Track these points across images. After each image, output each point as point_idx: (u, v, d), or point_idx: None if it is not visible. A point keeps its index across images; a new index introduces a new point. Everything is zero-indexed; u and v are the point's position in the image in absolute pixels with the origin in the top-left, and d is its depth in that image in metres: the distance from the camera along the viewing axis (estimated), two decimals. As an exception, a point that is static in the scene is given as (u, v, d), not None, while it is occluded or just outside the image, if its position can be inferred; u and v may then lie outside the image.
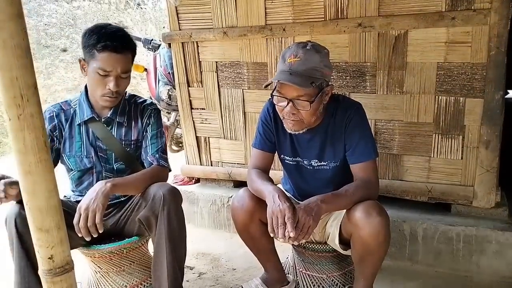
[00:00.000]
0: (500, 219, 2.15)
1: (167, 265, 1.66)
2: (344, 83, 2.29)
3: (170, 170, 1.91)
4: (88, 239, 1.57)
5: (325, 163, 1.75)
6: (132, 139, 1.87)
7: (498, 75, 1.97)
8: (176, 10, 2.59)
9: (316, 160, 1.75)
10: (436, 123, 2.14)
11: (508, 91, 3.27)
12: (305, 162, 1.78)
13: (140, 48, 2.72)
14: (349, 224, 1.58)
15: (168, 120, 3.69)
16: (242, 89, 2.57)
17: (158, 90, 3.49)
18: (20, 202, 1.56)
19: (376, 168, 1.69)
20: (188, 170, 2.92)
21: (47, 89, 6.35)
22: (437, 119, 2.14)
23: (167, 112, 3.59)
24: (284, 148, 1.81)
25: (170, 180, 2.93)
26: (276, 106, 1.64)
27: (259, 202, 1.67)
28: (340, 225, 1.69)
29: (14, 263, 1.59)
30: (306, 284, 1.96)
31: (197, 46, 2.61)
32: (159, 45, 3.50)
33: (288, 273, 2.03)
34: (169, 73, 3.36)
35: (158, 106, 2.38)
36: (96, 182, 1.80)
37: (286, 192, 1.85)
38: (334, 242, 1.71)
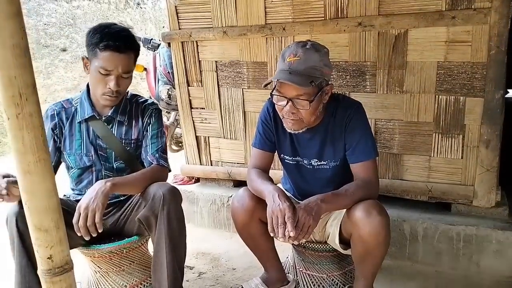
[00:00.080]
0: (500, 219, 2.15)
1: (167, 265, 1.66)
2: (344, 82, 2.29)
3: (170, 170, 1.91)
4: (87, 238, 1.57)
5: (325, 163, 1.74)
6: (132, 138, 1.86)
7: (498, 74, 1.96)
8: (176, 10, 2.59)
9: (316, 160, 1.75)
10: (436, 123, 2.14)
11: (508, 90, 3.26)
12: (305, 162, 1.78)
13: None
14: (349, 224, 1.57)
15: (168, 120, 3.68)
16: (242, 89, 2.57)
17: (158, 89, 3.49)
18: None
19: (376, 168, 1.69)
20: (188, 169, 2.91)
21: (46, 89, 6.35)
22: (437, 118, 2.13)
23: (166, 111, 3.58)
24: (284, 147, 1.80)
25: (170, 180, 2.93)
26: (275, 105, 1.64)
27: (259, 202, 1.66)
28: (340, 224, 1.68)
29: (14, 262, 1.59)
30: (306, 283, 1.96)
31: (197, 46, 2.60)
32: (159, 45, 3.50)
33: (288, 273, 2.02)
34: (168, 72, 3.36)
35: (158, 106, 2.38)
36: (96, 180, 1.81)
37: (286, 192, 1.84)
38: (334, 242, 1.71)
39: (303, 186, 1.84)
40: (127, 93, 1.89)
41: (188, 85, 2.72)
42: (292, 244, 1.92)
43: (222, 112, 2.67)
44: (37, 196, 0.94)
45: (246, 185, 1.77)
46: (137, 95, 1.96)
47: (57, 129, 1.81)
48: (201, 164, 2.85)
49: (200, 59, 2.63)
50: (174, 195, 1.69)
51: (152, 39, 3.59)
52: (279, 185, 1.93)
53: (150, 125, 1.87)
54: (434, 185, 2.20)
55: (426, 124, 2.16)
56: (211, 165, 2.82)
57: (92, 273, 1.92)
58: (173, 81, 2.90)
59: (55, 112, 1.82)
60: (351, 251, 1.66)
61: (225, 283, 2.16)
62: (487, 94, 2.00)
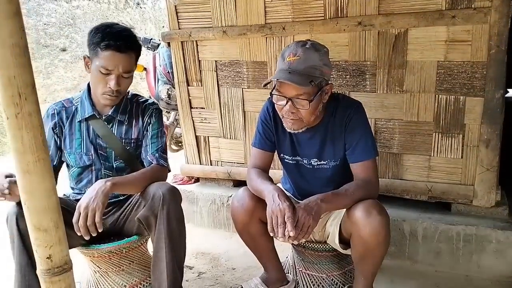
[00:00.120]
0: (500, 218, 2.15)
1: (166, 264, 1.66)
2: (344, 82, 2.28)
3: (169, 170, 1.91)
4: (87, 238, 1.57)
5: (325, 162, 1.74)
6: (132, 137, 1.86)
7: (498, 74, 1.96)
8: (176, 9, 2.59)
9: (316, 159, 1.75)
10: (436, 122, 2.14)
11: (508, 90, 3.26)
12: (304, 161, 1.77)
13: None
14: (349, 223, 1.57)
15: (168, 120, 3.68)
16: (242, 88, 2.57)
17: (158, 89, 3.49)
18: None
19: (376, 167, 1.68)
20: (187, 169, 2.91)
21: (46, 89, 6.35)
22: (437, 118, 2.13)
23: (166, 111, 3.58)
24: (283, 147, 1.80)
25: (170, 180, 2.93)
26: (275, 105, 1.63)
27: (259, 202, 1.66)
28: (340, 224, 1.68)
29: (14, 261, 1.59)
30: (306, 283, 1.95)
31: (197, 45, 2.60)
32: (159, 44, 3.50)
33: (288, 273, 2.02)
34: (168, 72, 3.35)
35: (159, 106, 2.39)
36: (95, 179, 1.81)
37: (286, 192, 1.84)
38: (334, 242, 1.71)
39: (303, 186, 1.84)
40: (128, 93, 1.89)
41: (188, 85, 2.72)
42: (292, 244, 1.92)
43: (222, 111, 2.66)
44: (36, 196, 0.94)
45: (246, 185, 1.77)
46: (137, 95, 1.96)
47: (57, 128, 1.82)
48: (200, 164, 2.85)
49: (199, 59, 2.63)
50: (174, 195, 1.68)
51: (151, 38, 3.59)
52: (279, 184, 1.93)
53: (151, 125, 1.87)
54: (434, 185, 2.20)
55: (426, 124, 2.16)
56: (211, 164, 2.82)
57: (91, 273, 1.91)
58: (173, 80, 2.90)
59: (56, 112, 1.83)
60: (351, 251, 1.66)
61: (225, 283, 2.16)
62: (487, 94, 2.00)
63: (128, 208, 1.87)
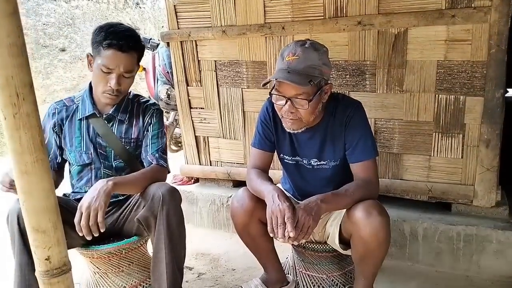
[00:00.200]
0: (501, 218, 2.14)
1: (166, 265, 1.65)
2: (344, 81, 2.28)
3: (169, 171, 1.90)
4: (89, 238, 1.56)
5: (325, 162, 1.74)
6: (132, 137, 1.86)
7: (498, 73, 1.96)
8: (175, 9, 2.58)
9: (316, 159, 1.74)
10: (436, 122, 2.13)
11: (508, 89, 3.26)
12: (304, 162, 1.77)
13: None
14: (349, 224, 1.57)
15: (167, 120, 3.68)
16: (241, 88, 2.56)
17: (157, 89, 3.49)
18: None
19: (376, 167, 1.68)
20: (187, 170, 2.90)
21: (45, 89, 6.34)
22: (437, 117, 2.13)
23: (166, 111, 3.58)
24: (283, 147, 1.80)
25: (169, 180, 2.92)
26: (274, 104, 1.63)
27: (259, 202, 1.65)
28: (340, 224, 1.68)
29: (14, 260, 1.58)
30: (306, 284, 1.95)
31: (196, 45, 2.60)
32: (158, 44, 3.50)
33: (288, 273, 2.02)
34: (167, 72, 3.35)
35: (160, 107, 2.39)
36: (95, 178, 1.82)
37: (285, 192, 1.84)
38: (334, 242, 1.70)
39: (302, 186, 1.83)
40: (129, 93, 1.90)
41: (187, 85, 2.71)
42: (292, 244, 1.91)
43: (222, 112, 2.66)
44: (34, 197, 0.94)
45: (245, 185, 1.77)
46: (139, 95, 1.96)
47: (57, 127, 1.83)
48: (200, 164, 2.84)
49: (199, 59, 2.62)
50: (174, 196, 1.68)
51: (151, 38, 3.59)
52: (279, 185, 1.92)
53: (151, 125, 1.87)
54: (434, 185, 2.20)
55: (426, 124, 2.16)
56: (211, 165, 2.81)
57: (91, 274, 1.91)
58: (172, 80, 2.89)
59: (57, 111, 1.84)
60: (351, 251, 1.65)
61: (225, 283, 2.15)
62: (487, 93, 1.99)
63: (127, 208, 1.87)
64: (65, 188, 1.92)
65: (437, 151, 2.17)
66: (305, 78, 1.49)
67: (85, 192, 1.80)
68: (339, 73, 2.28)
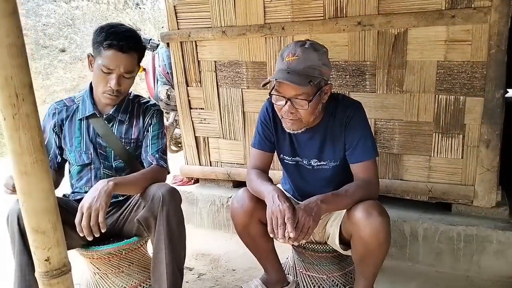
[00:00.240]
0: (501, 219, 2.14)
1: (166, 266, 1.65)
2: (344, 82, 2.28)
3: (168, 172, 1.90)
4: (90, 238, 1.55)
5: (325, 163, 1.73)
6: (132, 137, 1.86)
7: (498, 74, 1.95)
8: (175, 9, 2.58)
9: (316, 160, 1.74)
10: (436, 122, 2.13)
11: (508, 89, 3.26)
12: (304, 162, 1.77)
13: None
14: (350, 224, 1.56)
15: (167, 120, 3.68)
16: (241, 89, 2.56)
17: (157, 90, 3.49)
18: None
19: (376, 168, 1.68)
20: (187, 170, 2.90)
21: (45, 90, 6.34)
22: (437, 118, 2.13)
23: (165, 112, 3.58)
24: (283, 147, 1.79)
25: (169, 181, 2.92)
26: (274, 105, 1.63)
27: (259, 203, 1.65)
28: (340, 225, 1.67)
29: (14, 261, 1.58)
30: (306, 284, 1.95)
31: (196, 46, 2.60)
32: (158, 45, 3.49)
33: (288, 274, 2.01)
34: (167, 72, 3.35)
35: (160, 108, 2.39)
36: (95, 178, 1.82)
37: (285, 192, 1.83)
38: (334, 242, 1.70)
39: (302, 187, 1.83)
40: (130, 93, 1.90)
41: (187, 85, 2.71)
42: (292, 245, 1.91)
43: (221, 112, 2.66)
44: (34, 198, 0.93)
45: (245, 185, 1.77)
46: (139, 95, 1.97)
47: (57, 127, 1.84)
48: (200, 165, 2.84)
49: (199, 59, 2.62)
50: (174, 196, 1.68)
51: (151, 39, 3.58)
52: (279, 185, 1.92)
53: (151, 126, 1.87)
54: (434, 185, 2.20)
55: (426, 124, 2.16)
56: (211, 165, 2.81)
57: (91, 274, 1.91)
58: (172, 81, 2.89)
59: (57, 111, 1.85)
60: (351, 252, 1.65)
61: (225, 284, 2.15)
62: (487, 94, 1.99)
63: (127, 209, 1.86)
64: (64, 188, 1.92)
65: (437, 151, 2.17)
66: (304, 79, 1.49)
67: (85, 192, 1.81)
68: (339, 73, 2.28)
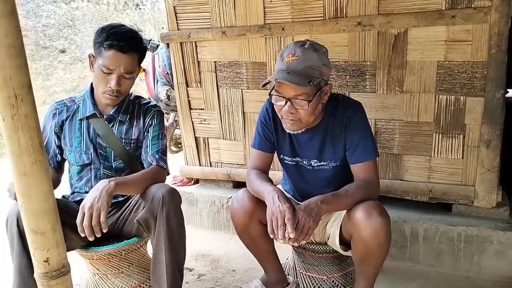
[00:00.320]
0: (502, 219, 2.13)
1: (166, 266, 1.65)
2: (344, 82, 2.27)
3: (168, 173, 1.90)
4: (91, 239, 1.55)
5: (325, 163, 1.73)
6: (133, 138, 1.86)
7: (499, 74, 1.95)
8: (175, 10, 2.58)
9: (316, 160, 1.74)
10: (436, 123, 2.13)
11: (509, 90, 3.25)
12: (304, 162, 1.76)
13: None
14: (350, 225, 1.56)
15: (167, 121, 3.67)
16: (241, 89, 2.56)
17: (157, 90, 3.49)
18: None
19: (376, 168, 1.67)
20: (187, 171, 2.90)
21: (45, 90, 6.33)
22: (438, 118, 2.12)
23: (165, 112, 3.58)
24: (283, 148, 1.79)
25: (169, 181, 2.92)
26: (274, 105, 1.63)
27: (259, 203, 1.65)
28: (341, 225, 1.67)
29: (13, 263, 1.57)
30: (306, 285, 1.94)
31: (196, 46, 2.60)
32: (158, 45, 3.49)
33: (288, 274, 2.01)
34: (167, 73, 3.35)
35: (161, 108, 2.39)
36: (95, 179, 1.82)
37: (285, 193, 1.83)
38: (335, 243, 1.70)
39: (303, 187, 1.83)
40: (131, 94, 1.90)
41: (187, 86, 2.71)
42: (292, 245, 1.91)
43: (221, 112, 2.65)
44: (33, 199, 0.93)
45: (245, 186, 1.76)
46: (140, 96, 1.97)
47: (57, 128, 1.84)
48: (200, 165, 2.84)
49: (199, 60, 2.62)
50: (173, 197, 1.68)
51: (151, 40, 3.58)
52: (279, 186, 1.92)
53: (152, 127, 1.87)
54: (434, 186, 2.19)
55: (426, 124, 2.15)
56: (211, 166, 2.81)
57: (90, 275, 1.90)
58: (172, 82, 2.89)
59: (57, 111, 1.85)
60: (352, 252, 1.65)
61: (225, 285, 2.15)
62: (488, 94, 1.99)
63: (127, 209, 1.86)
64: (64, 189, 1.92)
65: (438, 151, 2.16)
66: (304, 79, 1.49)
67: (85, 192, 1.81)
68: (339, 73, 2.27)
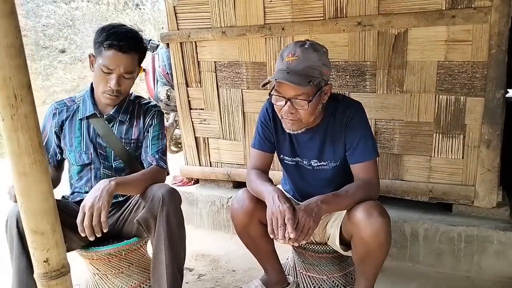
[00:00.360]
0: (502, 219, 2.13)
1: (166, 266, 1.65)
2: (344, 82, 2.27)
3: (168, 173, 1.90)
4: (92, 238, 1.55)
5: (325, 163, 1.73)
6: (133, 138, 1.86)
7: (499, 74, 1.95)
8: (175, 10, 2.58)
9: (316, 160, 1.74)
10: (436, 123, 2.13)
11: (509, 90, 3.25)
12: (304, 162, 1.76)
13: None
14: (350, 225, 1.56)
15: (167, 121, 3.67)
16: (241, 89, 2.56)
17: (157, 90, 3.48)
18: None
19: (376, 168, 1.67)
20: (187, 171, 2.90)
21: (45, 90, 6.33)
22: (438, 118, 2.12)
23: (165, 112, 3.58)
24: (283, 148, 1.79)
25: (169, 181, 2.92)
26: (274, 105, 1.62)
27: (259, 203, 1.65)
28: (341, 225, 1.67)
29: (13, 264, 1.57)
30: (307, 285, 1.94)
31: (196, 46, 2.59)
32: (158, 45, 3.49)
33: (288, 275, 2.01)
34: (167, 73, 3.35)
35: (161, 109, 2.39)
36: (95, 178, 1.82)
37: (286, 193, 1.83)
38: (335, 243, 1.70)
39: (303, 187, 1.82)
40: (131, 94, 1.90)
41: (187, 86, 2.71)
42: (292, 245, 1.91)
43: (221, 112, 2.65)
44: (32, 199, 0.93)
45: (245, 186, 1.76)
46: (140, 96, 1.97)
47: (57, 128, 1.84)
48: (200, 165, 2.83)
49: (199, 60, 2.62)
50: (173, 197, 1.67)
51: (151, 40, 3.58)
52: (279, 186, 1.92)
53: (152, 127, 1.87)
54: (434, 186, 2.19)
55: (426, 124, 2.15)
56: (211, 166, 2.81)
57: (90, 275, 1.90)
58: (172, 82, 2.89)
59: (57, 111, 1.85)
60: (352, 253, 1.65)
61: (225, 285, 2.15)
62: (488, 94, 1.99)
63: (127, 210, 1.86)
64: (63, 190, 1.92)
65: (438, 151, 2.16)
66: (304, 79, 1.49)
67: (85, 192, 1.81)
68: (339, 73, 2.27)
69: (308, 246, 1.84)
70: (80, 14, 7.81)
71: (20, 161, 0.89)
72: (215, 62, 2.58)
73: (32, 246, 0.97)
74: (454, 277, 2.10)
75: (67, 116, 1.84)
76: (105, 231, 1.56)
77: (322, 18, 2.22)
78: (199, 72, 2.64)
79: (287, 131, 1.66)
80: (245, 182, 1.78)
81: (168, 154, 2.40)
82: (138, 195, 1.79)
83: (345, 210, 1.60)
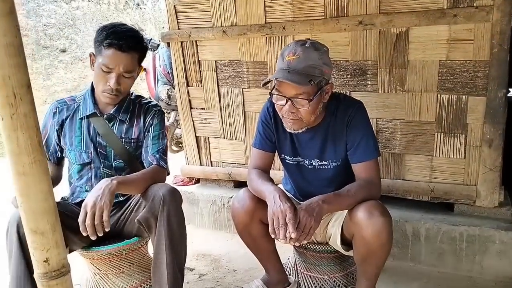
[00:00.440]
0: (504, 219, 2.13)
1: (167, 266, 1.64)
2: (345, 81, 2.27)
3: (168, 173, 1.90)
4: (93, 238, 1.54)
5: (326, 163, 1.72)
6: (133, 137, 1.86)
7: (501, 73, 1.94)
8: (175, 9, 2.58)
9: (317, 160, 1.73)
10: (438, 122, 2.12)
11: (511, 89, 3.25)
12: (305, 162, 1.76)
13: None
14: (351, 225, 1.55)
15: (168, 120, 3.67)
16: (242, 89, 2.55)
17: (157, 90, 3.48)
18: None
19: (378, 168, 1.66)
20: (188, 170, 2.90)
21: (46, 90, 6.33)
22: (439, 117, 2.11)
23: (166, 112, 3.57)
24: (284, 147, 1.78)
25: (170, 181, 2.91)
26: (275, 104, 1.62)
27: (260, 203, 1.64)
28: (342, 225, 1.66)
29: (11, 268, 1.55)
30: (308, 285, 1.94)
31: (196, 45, 2.59)
32: (158, 45, 3.49)
33: (289, 274, 2.01)
34: (168, 72, 3.34)
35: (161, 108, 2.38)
36: (95, 178, 1.82)
37: (287, 192, 1.82)
38: (336, 243, 1.69)
39: (304, 187, 1.82)
40: (131, 93, 1.90)
41: (188, 85, 2.70)
42: (293, 245, 1.90)
43: (222, 112, 2.65)
44: (32, 198, 0.93)
45: (246, 185, 1.76)
46: (141, 96, 1.97)
47: (57, 127, 1.84)
48: (201, 165, 2.83)
49: (199, 59, 2.62)
50: (174, 196, 1.67)
51: (151, 39, 3.57)
52: (280, 185, 1.91)
53: (152, 126, 1.86)
54: (436, 185, 2.18)
55: (428, 124, 2.14)
56: (211, 165, 2.80)
57: (91, 275, 1.90)
58: (173, 81, 2.89)
59: (58, 110, 1.85)
60: (353, 252, 1.64)
61: (226, 284, 2.14)
62: (490, 93, 1.98)
63: (128, 209, 1.86)
64: (63, 190, 1.91)
65: (439, 151, 2.16)
66: (305, 78, 1.48)
67: (85, 191, 1.81)
68: (340, 73, 2.27)
69: (309, 246, 1.84)
70: (81, 14, 7.81)
71: (20, 160, 0.89)
72: (215, 61, 2.58)
73: (32, 246, 0.96)
74: (456, 277, 2.09)
75: (67, 115, 1.84)
76: (107, 230, 1.55)
77: (323, 17, 2.22)
78: (200, 71, 2.64)
79: (288, 130, 1.66)
80: (246, 181, 1.77)
81: (169, 154, 2.40)
82: (139, 195, 1.79)
83: (347, 210, 1.59)
